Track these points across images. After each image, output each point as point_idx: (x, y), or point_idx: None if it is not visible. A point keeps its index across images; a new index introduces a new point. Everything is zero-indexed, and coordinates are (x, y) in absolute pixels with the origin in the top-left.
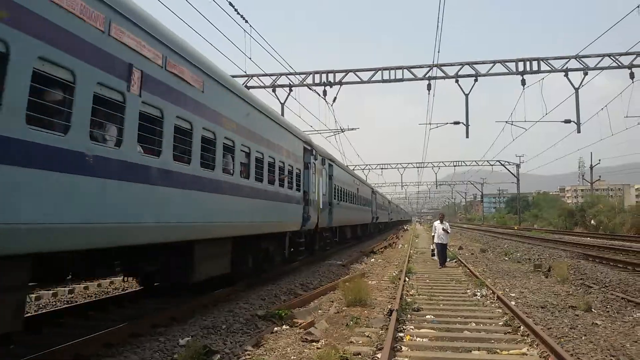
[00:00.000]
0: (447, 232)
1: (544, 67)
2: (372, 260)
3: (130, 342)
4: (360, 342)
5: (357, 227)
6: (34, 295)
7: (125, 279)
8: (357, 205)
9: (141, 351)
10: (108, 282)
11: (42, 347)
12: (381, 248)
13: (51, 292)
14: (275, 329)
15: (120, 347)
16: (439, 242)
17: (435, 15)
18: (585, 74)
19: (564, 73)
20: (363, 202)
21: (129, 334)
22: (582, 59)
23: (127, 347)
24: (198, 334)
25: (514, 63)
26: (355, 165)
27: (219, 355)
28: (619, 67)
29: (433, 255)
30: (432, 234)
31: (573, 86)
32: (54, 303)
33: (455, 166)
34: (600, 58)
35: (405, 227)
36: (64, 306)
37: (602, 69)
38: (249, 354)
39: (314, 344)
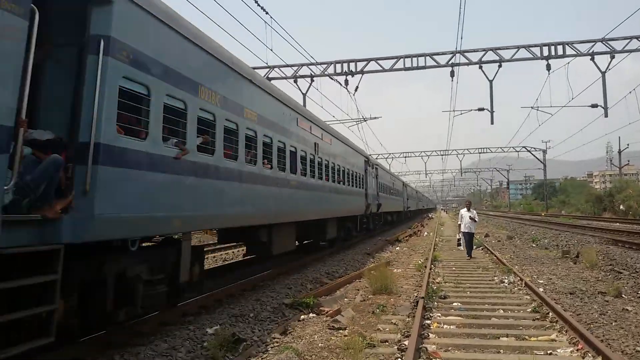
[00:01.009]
0: (475, 221)
1: (569, 51)
2: (397, 248)
3: (160, 330)
4: (387, 329)
5: (394, 213)
6: None
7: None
8: (394, 196)
9: (171, 339)
10: None
11: (74, 337)
12: (406, 236)
13: None
14: (302, 317)
15: (150, 336)
16: (466, 231)
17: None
18: (612, 57)
19: (590, 57)
20: (397, 193)
21: (158, 323)
22: (609, 42)
23: (157, 335)
24: (226, 322)
25: (539, 48)
26: (379, 154)
27: (247, 343)
28: None
29: (459, 245)
30: (459, 223)
31: (600, 70)
32: None
33: (480, 153)
34: (627, 41)
35: (430, 215)
36: None
37: (630, 51)
38: (276, 342)
39: (341, 331)
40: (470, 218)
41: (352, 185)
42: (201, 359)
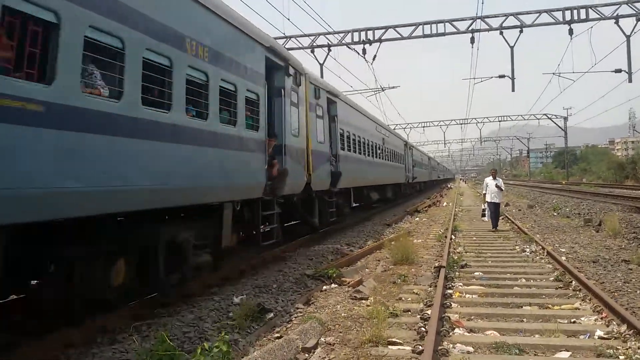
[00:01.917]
0: (501, 190)
1: (592, 14)
2: (417, 219)
3: (185, 301)
4: (409, 299)
5: (422, 183)
6: None
7: None
8: (423, 169)
9: (197, 310)
10: None
11: (102, 309)
12: (425, 207)
13: None
14: (325, 287)
15: (177, 307)
16: (492, 201)
17: None
18: (638, 19)
19: (614, 20)
20: (425, 167)
21: (183, 295)
22: (635, 3)
23: (182, 306)
24: (250, 293)
25: (561, 12)
26: (397, 124)
27: (272, 313)
28: None
29: (483, 215)
30: (483, 192)
31: (624, 34)
32: None
33: (500, 121)
34: None
35: (449, 186)
36: None
37: None
38: (300, 312)
39: (363, 301)
40: (497, 187)
41: (399, 162)
42: (227, 329)
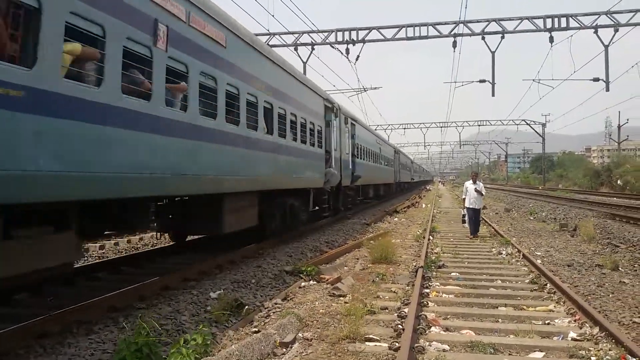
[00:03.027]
0: (482, 195)
1: (572, 23)
2: (396, 219)
3: (162, 294)
4: (387, 297)
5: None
6: None
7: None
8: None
9: (175, 303)
10: (137, 239)
11: (78, 300)
12: (404, 208)
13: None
14: (303, 284)
15: (153, 300)
16: (471, 206)
17: None
18: (616, 30)
19: (593, 30)
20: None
21: (161, 287)
22: (613, 15)
23: (159, 299)
24: (229, 288)
25: (542, 20)
26: (378, 125)
27: (250, 308)
28: None
29: (464, 222)
30: (463, 197)
31: (603, 43)
32: (86, 259)
33: (479, 125)
34: (632, 14)
35: (428, 187)
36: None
37: (634, 25)
38: (278, 307)
39: (342, 298)
40: (477, 191)
41: (390, 166)
42: (205, 323)
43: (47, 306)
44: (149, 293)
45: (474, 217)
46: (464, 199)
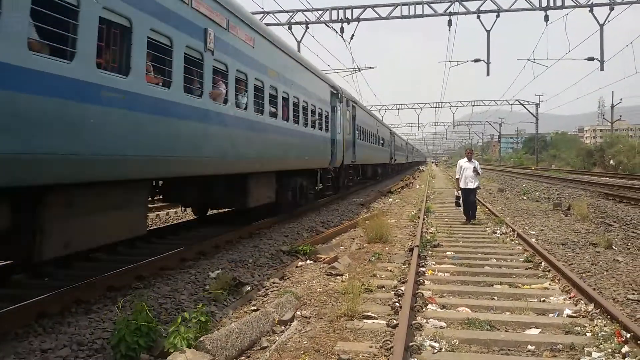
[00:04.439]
0: (478, 174)
1: (568, 2)
2: (390, 200)
3: (160, 274)
4: (384, 276)
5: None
6: None
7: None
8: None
9: (173, 282)
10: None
11: (76, 280)
12: (398, 188)
13: None
14: (300, 263)
15: (152, 280)
16: (466, 187)
17: None
18: (612, 9)
19: (589, 8)
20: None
21: (159, 267)
22: None
23: (158, 279)
24: (226, 267)
25: None
26: (372, 106)
27: (248, 287)
28: None
29: (458, 205)
30: (456, 177)
31: (598, 22)
32: None
33: (473, 106)
34: None
35: (421, 168)
36: None
37: (630, 3)
38: (276, 286)
39: (338, 277)
40: (474, 170)
41: (386, 147)
42: (204, 301)
43: (43, 286)
44: (146, 273)
45: (471, 198)
46: (458, 179)
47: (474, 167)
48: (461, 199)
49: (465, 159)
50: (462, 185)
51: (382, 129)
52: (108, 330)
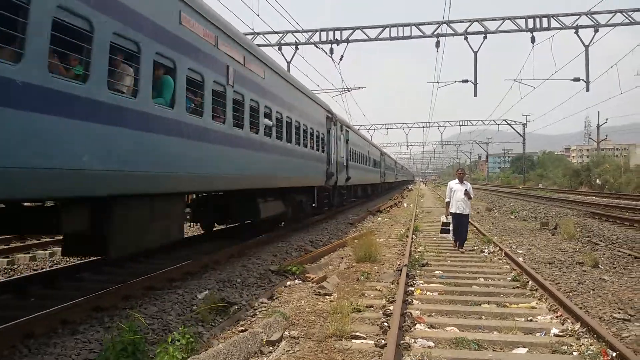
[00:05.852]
0: (470, 198)
1: (554, 24)
2: (379, 219)
3: (147, 295)
4: (372, 295)
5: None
6: (48, 252)
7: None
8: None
9: (160, 303)
10: None
11: (62, 301)
12: (387, 207)
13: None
14: (289, 283)
15: (138, 300)
16: (458, 211)
17: None
18: (596, 31)
19: (574, 30)
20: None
21: (145, 287)
22: (594, 15)
23: (145, 299)
24: (214, 287)
25: (524, 20)
26: (361, 125)
27: (236, 307)
28: (630, 23)
29: (447, 232)
30: (447, 200)
31: (583, 44)
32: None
33: (461, 126)
34: (612, 14)
35: (410, 187)
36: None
37: (614, 25)
38: (264, 306)
39: (327, 297)
40: (465, 194)
41: (376, 167)
42: (191, 322)
43: (29, 307)
44: (134, 293)
45: (463, 226)
46: (448, 203)
47: (466, 189)
48: (451, 224)
49: (456, 180)
50: (452, 210)
51: (373, 150)
52: (94, 351)
